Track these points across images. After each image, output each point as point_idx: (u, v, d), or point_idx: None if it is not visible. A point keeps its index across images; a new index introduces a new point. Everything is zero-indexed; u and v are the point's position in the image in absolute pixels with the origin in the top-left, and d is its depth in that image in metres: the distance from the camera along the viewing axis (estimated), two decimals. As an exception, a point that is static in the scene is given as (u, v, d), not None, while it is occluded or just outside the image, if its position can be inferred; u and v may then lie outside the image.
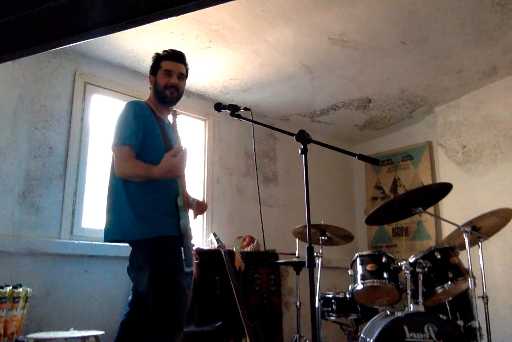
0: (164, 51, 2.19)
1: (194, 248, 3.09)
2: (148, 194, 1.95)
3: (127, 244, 3.00)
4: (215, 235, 3.27)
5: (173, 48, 3.13)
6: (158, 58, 2.18)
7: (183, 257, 1.98)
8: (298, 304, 3.13)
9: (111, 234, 1.97)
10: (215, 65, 3.38)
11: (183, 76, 2.19)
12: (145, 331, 1.87)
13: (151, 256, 1.89)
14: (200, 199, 2.25)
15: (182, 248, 1.98)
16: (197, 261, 3.05)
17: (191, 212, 2.15)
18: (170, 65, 2.15)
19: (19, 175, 2.74)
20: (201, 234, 3.63)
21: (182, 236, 1.97)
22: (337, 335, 3.64)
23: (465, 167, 4.01)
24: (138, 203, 1.94)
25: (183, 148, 1.95)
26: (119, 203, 1.96)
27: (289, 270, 3.94)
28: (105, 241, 1.98)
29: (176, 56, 2.18)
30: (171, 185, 2.01)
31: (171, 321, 1.85)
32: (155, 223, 1.92)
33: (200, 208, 2.22)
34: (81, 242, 2.87)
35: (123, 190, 1.95)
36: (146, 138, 2.00)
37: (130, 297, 2.07)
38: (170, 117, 2.21)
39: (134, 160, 1.93)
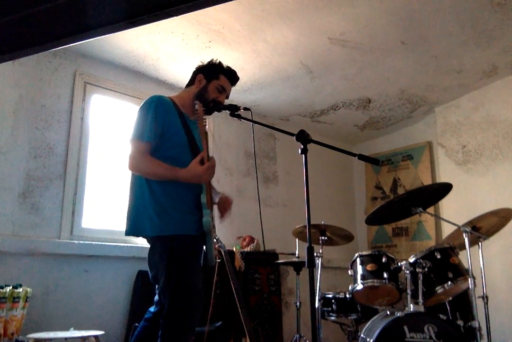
0: (228, 67, 2.22)
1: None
2: (170, 190, 1.94)
3: (128, 244, 3.04)
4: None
5: (175, 48, 3.13)
6: (219, 68, 2.20)
7: (207, 256, 1.98)
8: (298, 304, 3.13)
9: (131, 228, 1.96)
10: (215, 65, 3.38)
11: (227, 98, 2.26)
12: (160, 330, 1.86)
13: (166, 255, 1.88)
14: (224, 194, 2.19)
15: (204, 247, 1.98)
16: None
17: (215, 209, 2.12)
18: (226, 83, 2.20)
19: (19, 175, 2.74)
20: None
21: (204, 234, 1.96)
22: (337, 335, 3.63)
23: (465, 167, 4.01)
24: (159, 199, 1.93)
25: (210, 157, 1.96)
26: (141, 198, 1.95)
27: (289, 270, 3.94)
28: (126, 235, 1.97)
29: (234, 80, 2.24)
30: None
31: (183, 323, 1.84)
32: (174, 221, 1.91)
33: (223, 205, 2.16)
34: (81, 242, 2.87)
35: (146, 185, 1.95)
36: (166, 134, 1.98)
37: (156, 297, 2.04)
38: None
39: (153, 158, 1.93)
